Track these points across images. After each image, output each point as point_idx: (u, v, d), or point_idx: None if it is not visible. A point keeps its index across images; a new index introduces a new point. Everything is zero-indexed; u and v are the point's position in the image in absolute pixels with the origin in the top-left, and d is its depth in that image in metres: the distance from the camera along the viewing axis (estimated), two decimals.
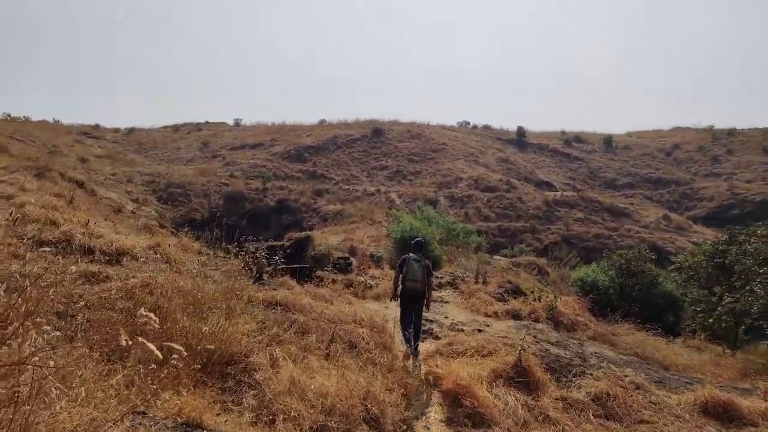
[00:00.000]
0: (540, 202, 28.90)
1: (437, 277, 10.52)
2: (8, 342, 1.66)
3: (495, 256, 17.58)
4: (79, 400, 2.28)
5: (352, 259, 12.30)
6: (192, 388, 3.11)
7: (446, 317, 7.74)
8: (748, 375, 7.19)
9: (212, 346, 3.28)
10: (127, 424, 2.39)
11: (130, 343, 1.78)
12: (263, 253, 7.42)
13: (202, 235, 8.76)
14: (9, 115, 36.81)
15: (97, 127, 42.31)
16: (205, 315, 4.06)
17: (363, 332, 5.16)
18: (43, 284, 2.71)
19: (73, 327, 3.34)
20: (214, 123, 47.85)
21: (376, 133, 38.82)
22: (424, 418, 4.12)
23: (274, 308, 5.30)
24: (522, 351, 5.10)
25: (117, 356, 3.09)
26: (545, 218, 27.69)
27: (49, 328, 3.00)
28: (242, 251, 7.27)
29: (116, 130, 42.85)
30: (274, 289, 6.32)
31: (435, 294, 9.00)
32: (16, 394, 1.62)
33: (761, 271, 9.67)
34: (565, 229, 26.51)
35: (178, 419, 2.65)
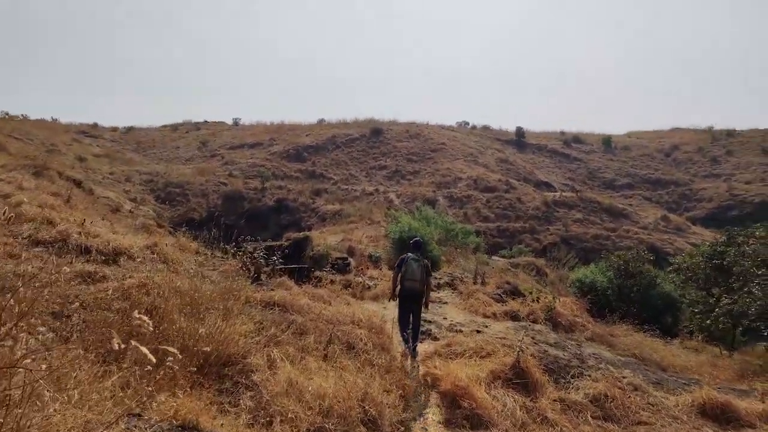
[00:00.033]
0: (539, 203, 28.92)
1: (436, 278, 10.51)
2: (4, 342, 1.64)
3: (494, 257, 17.59)
4: (73, 402, 2.26)
5: (350, 259, 12.28)
6: (188, 389, 3.09)
7: (445, 318, 7.73)
8: (745, 376, 7.19)
9: (209, 348, 3.25)
10: (122, 426, 2.37)
11: (123, 347, 1.76)
12: (261, 254, 7.39)
13: (200, 234, 8.72)
14: (7, 114, 36.70)
15: (95, 126, 42.24)
16: (202, 316, 4.04)
17: (361, 333, 5.14)
18: (37, 284, 2.69)
19: (69, 328, 3.32)
20: (212, 122, 47.77)
21: (375, 132, 38.81)
22: (422, 419, 4.11)
23: (271, 309, 5.28)
24: (520, 352, 5.10)
25: (113, 357, 3.07)
26: (544, 219, 27.70)
27: (44, 329, 2.98)
28: (240, 251, 7.25)
29: (114, 129, 42.78)
30: (272, 290, 6.30)
31: (433, 295, 8.98)
32: (8, 398, 1.60)
33: (759, 272, 9.67)
34: (563, 229, 26.53)
35: (174, 422, 2.63)
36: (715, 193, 33.42)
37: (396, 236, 13.19)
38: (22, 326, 1.90)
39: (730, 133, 42.76)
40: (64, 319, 3.50)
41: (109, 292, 4.21)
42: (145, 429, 2.46)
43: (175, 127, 45.75)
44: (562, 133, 47.20)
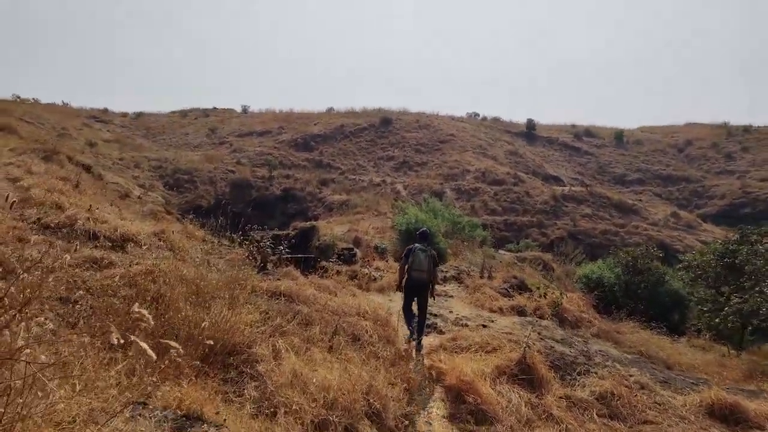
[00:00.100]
0: (547, 197, 28.64)
1: (442, 272, 10.47)
2: (2, 332, 1.62)
3: (500, 251, 17.49)
4: (78, 389, 2.26)
5: (356, 250, 12.26)
6: (193, 378, 3.09)
7: (451, 312, 7.70)
8: (753, 376, 7.11)
9: (213, 339, 3.24)
10: (127, 414, 2.37)
11: (122, 341, 1.73)
12: (268, 243, 7.39)
13: (208, 222, 8.73)
14: (18, 97, 36.89)
15: (105, 111, 42.40)
16: (208, 304, 4.03)
17: (366, 325, 5.12)
18: (42, 270, 2.67)
19: (75, 314, 3.32)
20: (221, 109, 47.73)
21: (384, 122, 38.55)
22: (426, 413, 4.09)
23: (277, 298, 5.27)
24: (526, 348, 5.06)
25: (118, 344, 3.06)
26: (552, 213, 27.46)
27: (50, 315, 2.98)
28: (247, 240, 7.25)
29: (124, 115, 42.92)
30: (278, 279, 6.29)
31: (440, 288, 8.94)
32: (9, 387, 1.58)
33: None
34: (571, 224, 26.28)
35: (179, 411, 2.63)
36: (727, 190, 32.83)
37: (402, 228, 13.14)
38: (26, 313, 1.88)
39: (747, 129, 41.83)
40: (70, 305, 3.51)
41: (116, 278, 4.22)
42: (150, 418, 2.46)
43: (184, 114, 45.78)
44: (573, 126, 46.56)
